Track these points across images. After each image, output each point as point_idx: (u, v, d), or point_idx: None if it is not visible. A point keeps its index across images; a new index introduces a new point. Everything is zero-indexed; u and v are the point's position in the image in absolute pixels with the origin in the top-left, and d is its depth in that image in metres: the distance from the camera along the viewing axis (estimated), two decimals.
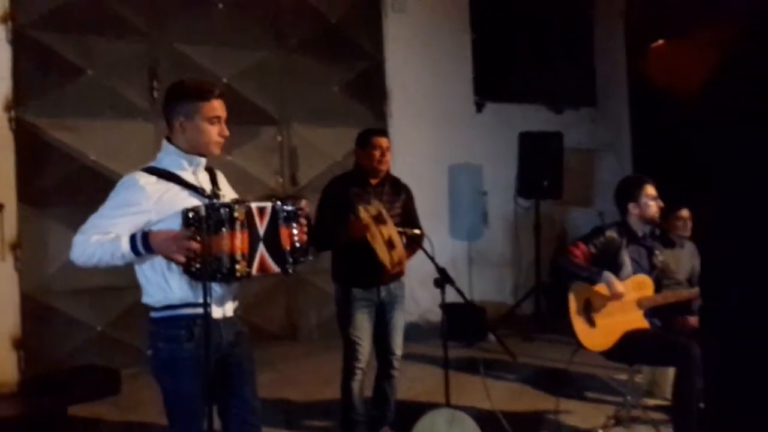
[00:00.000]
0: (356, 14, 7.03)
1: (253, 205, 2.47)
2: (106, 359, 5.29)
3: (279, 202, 2.52)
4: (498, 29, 7.86)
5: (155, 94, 5.88)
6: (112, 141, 5.66)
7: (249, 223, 2.44)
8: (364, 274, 3.66)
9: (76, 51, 5.54)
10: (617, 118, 8.82)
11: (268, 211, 2.49)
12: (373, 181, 3.77)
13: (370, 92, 7.05)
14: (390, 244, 3.38)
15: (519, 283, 7.53)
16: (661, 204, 3.92)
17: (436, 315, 6.83)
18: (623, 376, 4.90)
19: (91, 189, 5.55)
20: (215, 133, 2.54)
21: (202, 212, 2.37)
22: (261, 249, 2.46)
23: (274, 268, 2.50)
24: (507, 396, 4.65)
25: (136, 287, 5.45)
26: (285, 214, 2.52)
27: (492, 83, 7.76)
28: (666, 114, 8.79)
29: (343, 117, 6.75)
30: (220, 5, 6.25)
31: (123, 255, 2.39)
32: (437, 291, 6.61)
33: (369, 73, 7.07)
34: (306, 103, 6.67)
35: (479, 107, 7.71)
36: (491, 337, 6.36)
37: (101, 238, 2.40)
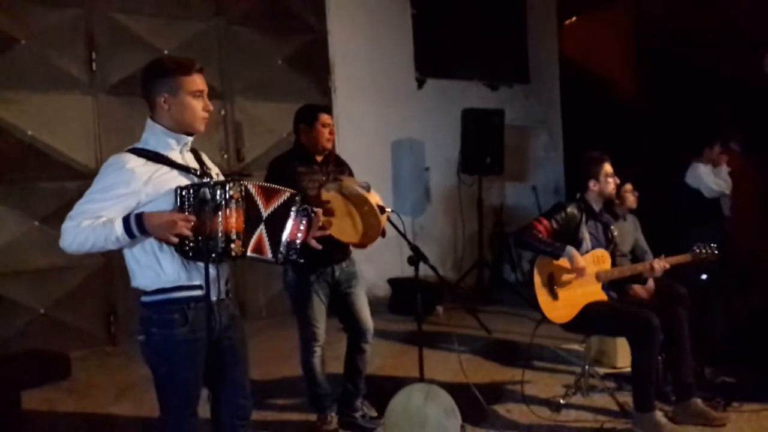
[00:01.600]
0: None
1: (251, 185, 2.44)
2: (50, 343, 5.08)
3: (299, 196, 2.55)
4: (437, 5, 7.91)
5: (94, 65, 5.62)
6: (49, 114, 5.40)
7: (247, 202, 2.40)
8: (318, 256, 3.63)
9: (9, 20, 5.23)
10: (549, 95, 9.09)
11: (282, 196, 2.49)
12: (319, 159, 3.73)
13: (313, 66, 6.97)
14: (381, 210, 3.36)
15: (462, 257, 7.70)
16: (618, 181, 4.09)
17: (382, 290, 6.95)
18: (571, 346, 5.14)
19: (28, 165, 5.31)
20: (200, 107, 2.47)
21: (196, 191, 2.31)
22: (261, 230, 2.44)
23: (269, 253, 2.47)
24: (463, 367, 4.75)
25: (78, 267, 5.39)
26: (301, 208, 2.54)
27: (432, 59, 7.83)
28: (593, 92, 9.24)
29: (287, 91, 6.65)
30: None
31: (117, 238, 2.29)
32: (382, 265, 6.78)
33: (312, 46, 6.99)
34: (249, 77, 6.54)
35: (420, 83, 7.77)
36: (439, 310, 6.49)
37: (93, 223, 2.30)
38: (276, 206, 2.47)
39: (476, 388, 3.95)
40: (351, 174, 3.87)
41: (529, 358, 4.81)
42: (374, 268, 6.67)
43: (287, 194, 2.51)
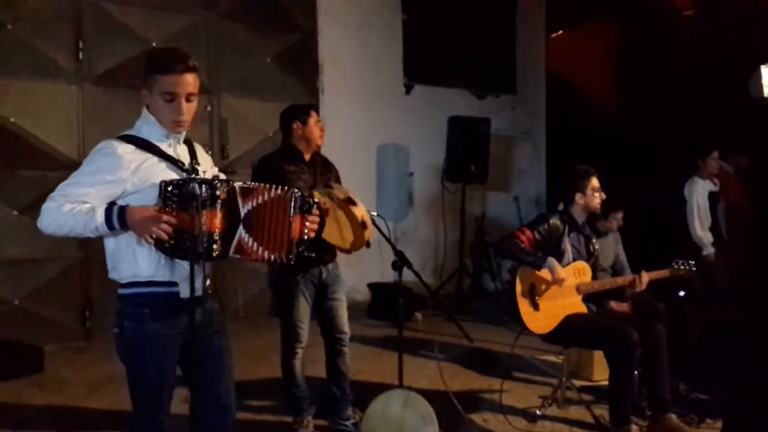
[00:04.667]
0: None
1: (237, 185, 2.38)
2: (23, 335, 4.97)
3: (296, 191, 2.43)
4: (427, 11, 7.93)
5: (80, 54, 5.55)
6: (32, 102, 5.32)
7: (230, 203, 2.35)
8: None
9: None
10: (534, 107, 9.14)
11: (264, 194, 2.38)
12: (306, 158, 3.73)
13: (302, 66, 6.95)
14: (363, 225, 3.36)
15: (442, 264, 7.71)
16: (604, 196, 4.11)
17: (361, 294, 6.92)
18: (548, 357, 5.16)
19: (9, 153, 5.24)
20: (168, 111, 2.36)
21: (181, 186, 2.26)
22: (240, 231, 2.36)
23: (259, 253, 2.39)
24: (442, 375, 4.74)
25: (55, 259, 5.32)
26: (300, 203, 2.43)
27: (420, 65, 7.84)
28: (578, 105, 9.32)
29: (274, 90, 6.63)
30: None
31: (96, 227, 2.25)
32: (362, 269, 6.75)
33: (301, 46, 6.96)
34: (237, 73, 6.51)
35: (408, 89, 7.77)
36: (417, 316, 6.49)
37: (74, 208, 2.25)
38: (254, 204, 2.37)
39: (454, 395, 3.94)
40: (337, 175, 3.88)
41: (505, 368, 4.82)
42: (354, 272, 6.63)
43: (274, 192, 2.39)
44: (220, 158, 6.33)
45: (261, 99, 6.55)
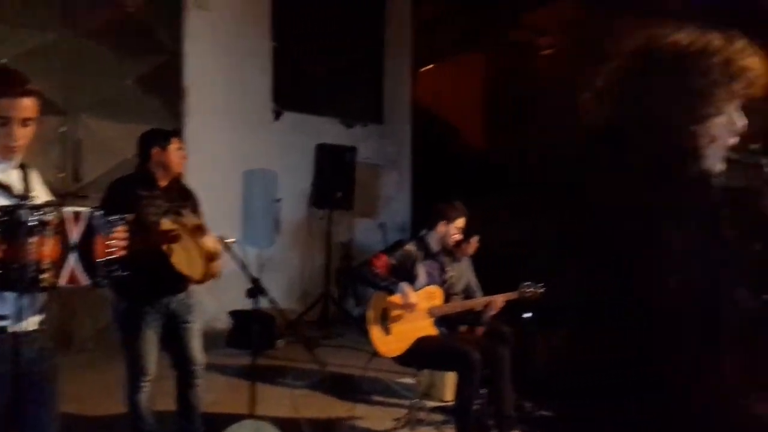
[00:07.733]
0: (156, 5, 6.79)
1: (67, 210, 2.29)
2: None
3: (98, 211, 2.34)
4: (297, 40, 8.04)
5: None
6: None
7: (61, 230, 2.26)
8: (153, 286, 3.53)
9: None
10: (400, 136, 9.41)
11: (83, 217, 2.30)
12: (163, 184, 3.66)
13: (165, 88, 6.82)
14: (210, 257, 3.31)
15: (307, 291, 7.73)
16: (461, 237, 4.33)
17: (221, 322, 6.80)
18: (404, 380, 5.29)
19: None
20: (0, 136, 2.23)
21: (9, 213, 2.17)
22: (72, 259, 2.27)
23: (84, 280, 2.31)
24: (296, 403, 4.75)
25: None
26: (103, 222, 2.33)
27: (290, 93, 7.91)
28: (443, 136, 9.72)
29: (135, 112, 6.45)
30: None
31: None
32: (223, 298, 6.64)
33: (166, 68, 6.84)
34: (96, 94, 6.29)
35: (277, 115, 7.81)
36: (280, 343, 6.45)
37: None
38: (80, 229, 2.29)
39: (310, 422, 3.97)
40: (195, 205, 3.80)
41: (363, 392, 4.90)
42: (215, 300, 6.49)
43: (86, 212, 2.31)
44: (73, 181, 6.06)
45: (121, 121, 6.34)
